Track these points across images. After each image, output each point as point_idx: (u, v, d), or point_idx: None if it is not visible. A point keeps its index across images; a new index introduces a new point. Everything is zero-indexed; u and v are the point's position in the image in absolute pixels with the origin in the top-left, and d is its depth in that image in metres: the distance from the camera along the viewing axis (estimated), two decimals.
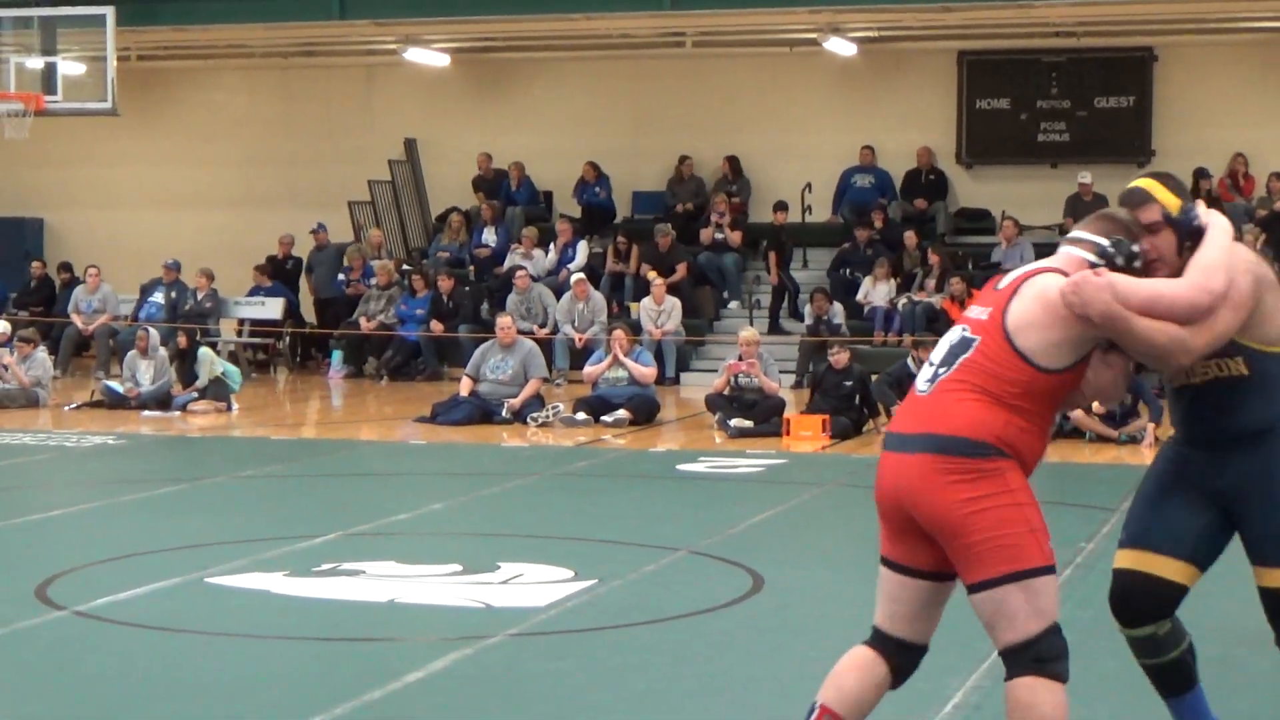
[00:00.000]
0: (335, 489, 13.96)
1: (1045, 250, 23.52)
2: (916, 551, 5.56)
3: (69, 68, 22.65)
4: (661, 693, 7.16)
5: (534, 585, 9.20)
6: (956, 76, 25.79)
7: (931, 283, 23.23)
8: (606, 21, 24.34)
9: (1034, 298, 5.38)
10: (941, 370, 5.46)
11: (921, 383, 5.53)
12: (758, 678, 7.44)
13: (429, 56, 26.52)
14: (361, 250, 25.66)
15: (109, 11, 21.97)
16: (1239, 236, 5.26)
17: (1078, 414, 16.91)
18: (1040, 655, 5.28)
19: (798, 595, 9.22)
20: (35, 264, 27.33)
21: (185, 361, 19.92)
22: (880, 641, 5.64)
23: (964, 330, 5.51)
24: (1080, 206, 24.19)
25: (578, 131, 26.56)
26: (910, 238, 23.97)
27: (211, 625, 8.29)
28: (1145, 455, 15.85)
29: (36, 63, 22.56)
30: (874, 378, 17.58)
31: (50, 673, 7.43)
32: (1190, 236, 5.58)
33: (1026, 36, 25.12)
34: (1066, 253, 5.53)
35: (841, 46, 24.91)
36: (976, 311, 5.52)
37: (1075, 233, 5.57)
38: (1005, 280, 5.56)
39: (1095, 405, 16.80)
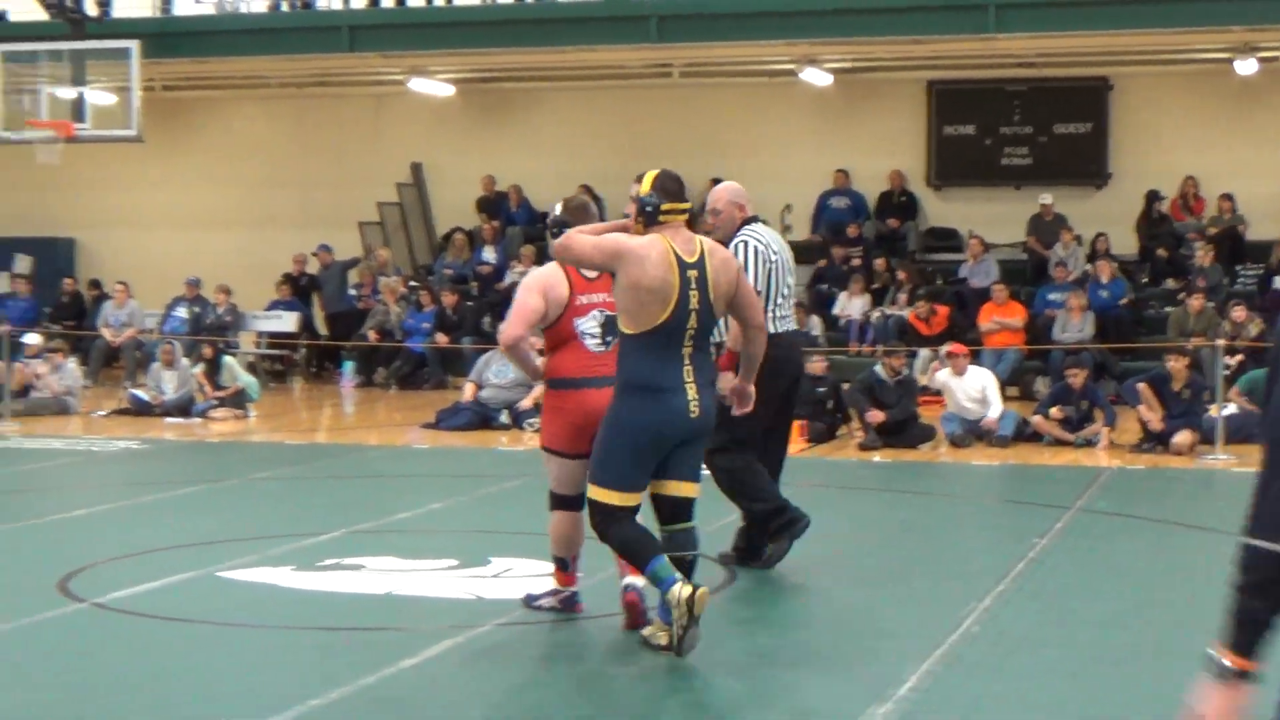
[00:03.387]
0: (342, 490, 13.99)
1: (1009, 266, 23.74)
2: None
3: (97, 97, 22.74)
4: (639, 676, 7.19)
5: (523, 578, 9.22)
6: (926, 104, 25.85)
7: (903, 297, 23.28)
8: (599, 54, 24.40)
9: None
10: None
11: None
12: (728, 661, 7.45)
13: (434, 86, 26.57)
14: (370, 267, 25.71)
15: (134, 45, 22.07)
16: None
17: (1038, 419, 16.98)
18: None
19: (768, 587, 9.27)
20: (67, 281, 27.37)
21: (212, 368, 20.00)
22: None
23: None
24: (1041, 226, 24.30)
25: (573, 156, 26.61)
26: (880, 263, 24.05)
27: (221, 616, 8.31)
28: (1100, 457, 15.90)
29: (67, 93, 22.66)
30: (845, 386, 17.63)
31: (70, 661, 7.46)
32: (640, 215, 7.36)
33: (991, 67, 25.17)
34: None
35: (817, 76, 24.97)
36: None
37: None
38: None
39: (1053, 411, 16.89)
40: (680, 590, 7.17)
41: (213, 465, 15.85)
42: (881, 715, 6.43)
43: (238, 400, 19.78)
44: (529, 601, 8.42)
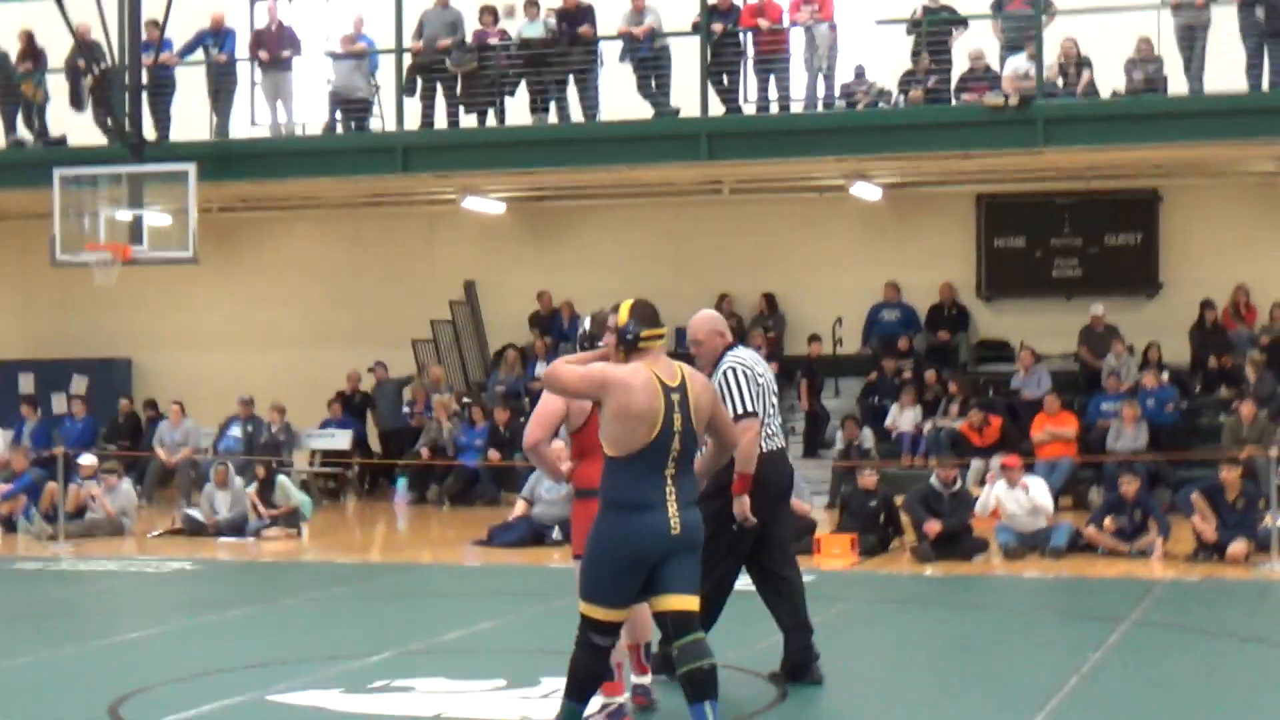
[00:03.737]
0: (394, 609, 13.98)
1: (1061, 377, 23.67)
2: None
3: (154, 219, 22.97)
4: None
5: (595, 710, 9.15)
6: (975, 217, 25.90)
7: (954, 409, 23.22)
8: (650, 172, 24.55)
9: None
10: None
11: None
12: None
13: (486, 205, 26.78)
14: (424, 384, 25.83)
15: (191, 168, 22.31)
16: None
17: (1090, 530, 16.86)
18: None
19: (818, 707, 9.20)
20: (123, 401, 27.56)
21: (265, 488, 20.09)
22: None
23: None
24: (1093, 337, 24.23)
25: (625, 272, 26.68)
26: (930, 375, 24.01)
27: None
28: (1154, 568, 15.77)
29: (125, 215, 22.89)
30: (897, 499, 17.56)
31: None
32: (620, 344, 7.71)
33: (1040, 180, 25.21)
34: None
35: (867, 191, 25.05)
36: None
37: None
38: None
39: (1107, 521, 16.78)
40: None
41: (265, 586, 15.86)
42: None
43: (291, 519, 19.83)
44: None
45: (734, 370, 9.38)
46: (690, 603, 7.58)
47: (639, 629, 8.76)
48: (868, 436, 22.99)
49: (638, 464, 7.47)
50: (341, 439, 25.46)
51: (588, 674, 7.66)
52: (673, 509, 7.50)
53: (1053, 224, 25.52)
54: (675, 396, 7.53)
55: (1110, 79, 22.01)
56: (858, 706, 9.32)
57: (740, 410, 9.20)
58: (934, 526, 16.49)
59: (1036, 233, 25.62)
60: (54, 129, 25.31)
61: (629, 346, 7.66)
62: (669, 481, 7.52)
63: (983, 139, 22.03)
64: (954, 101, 22.28)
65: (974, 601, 13.99)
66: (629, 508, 7.48)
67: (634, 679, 8.30)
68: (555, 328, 26.76)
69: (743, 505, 9.12)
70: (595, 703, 8.46)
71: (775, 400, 9.74)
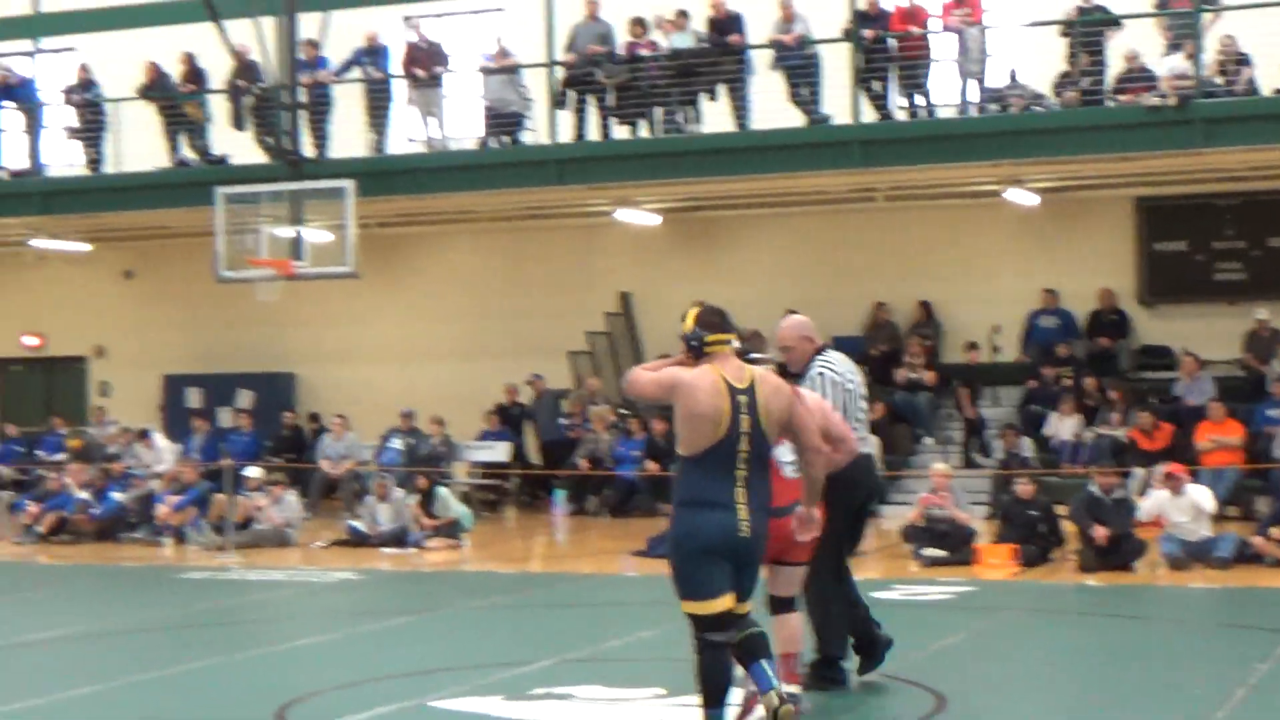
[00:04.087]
0: (553, 618, 14.08)
1: (1226, 384, 23.26)
2: None
3: (314, 235, 23.32)
4: None
5: (733, 706, 9.17)
6: (1134, 221, 25.54)
7: (1116, 416, 22.90)
8: (804, 180, 24.46)
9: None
10: None
11: None
12: None
13: (641, 216, 26.89)
14: (581, 397, 25.98)
15: (350, 184, 22.62)
16: None
17: (1258, 540, 16.55)
18: None
19: (977, 717, 9.11)
20: (287, 415, 28.03)
21: (426, 499, 20.33)
22: None
23: None
24: (1257, 341, 23.78)
25: (779, 281, 26.69)
26: (1090, 382, 23.69)
27: None
28: None
29: (287, 232, 23.27)
30: (1058, 507, 17.36)
31: None
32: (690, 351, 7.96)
33: (1200, 181, 24.79)
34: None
35: (1023, 196, 24.81)
36: None
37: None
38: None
39: (1274, 531, 16.45)
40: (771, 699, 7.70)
41: (427, 595, 16.05)
42: None
43: (451, 530, 20.05)
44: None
45: (821, 375, 9.55)
46: (741, 607, 7.84)
47: (789, 639, 8.86)
48: (1027, 445, 22.75)
49: (707, 464, 7.71)
50: (500, 451, 25.67)
51: (714, 675, 7.81)
52: (743, 512, 7.72)
53: (1214, 226, 25.09)
54: (743, 398, 7.76)
55: (1271, 76, 21.62)
56: (1019, 715, 9.23)
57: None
58: (1102, 532, 16.26)
59: (1197, 236, 25.20)
60: (216, 149, 25.86)
61: (695, 353, 7.95)
62: (739, 482, 7.72)
63: (1140, 140, 21.72)
64: (1110, 103, 22.02)
65: (1138, 612, 13.81)
66: (699, 505, 7.72)
67: (785, 688, 8.30)
68: None
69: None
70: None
71: (865, 405, 9.89)
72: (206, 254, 23.98)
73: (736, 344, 7.99)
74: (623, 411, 25.48)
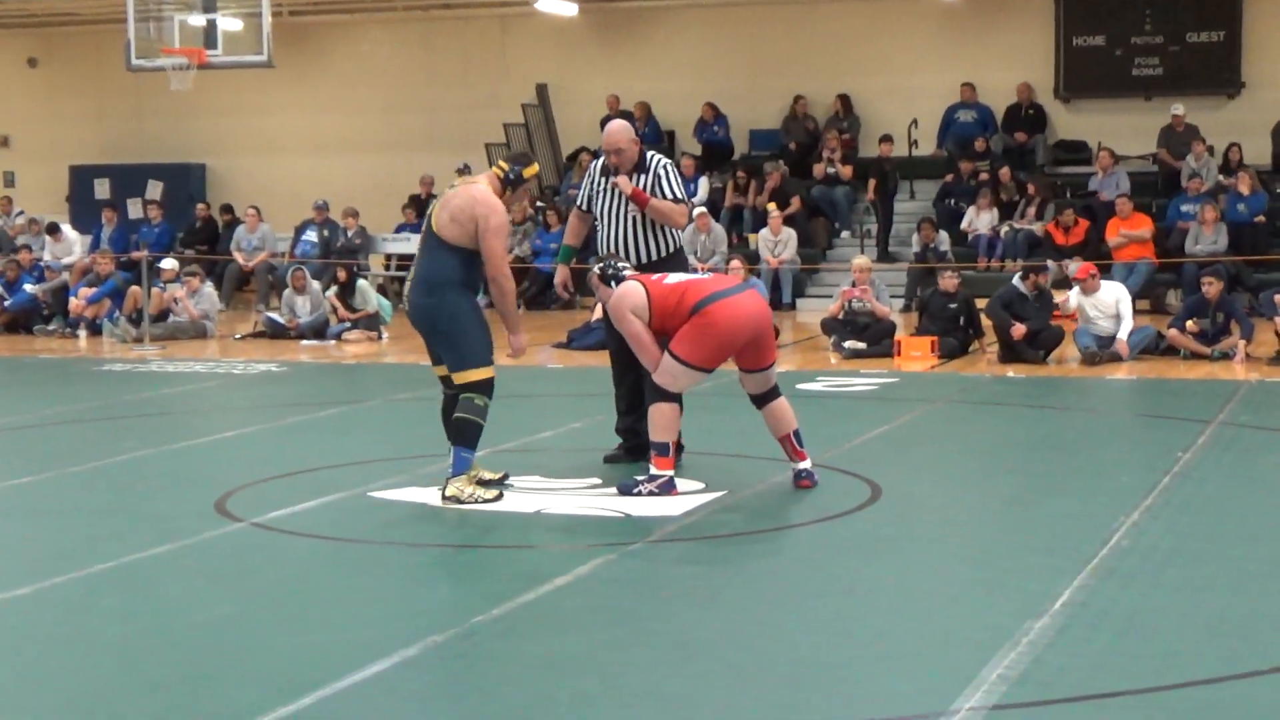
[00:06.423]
0: None
1: (1140, 179, 23.44)
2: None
3: (227, 24, 22.84)
4: (792, 593, 7.25)
5: (669, 496, 9.28)
6: (1054, 15, 25.50)
7: (1032, 211, 23.07)
8: None
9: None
10: None
11: None
12: (881, 578, 7.51)
13: (559, 6, 26.55)
14: None
15: None
16: None
17: (1173, 333, 16.80)
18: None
19: (914, 503, 9.26)
20: (199, 206, 27.71)
21: (345, 291, 20.24)
22: None
23: None
24: (1173, 137, 23.94)
25: (698, 74, 26.55)
26: (1005, 173, 23.79)
27: (377, 535, 8.48)
28: (1237, 371, 15.74)
29: (198, 20, 22.77)
30: (978, 301, 17.52)
31: (236, 578, 7.64)
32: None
33: None
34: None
35: None
36: None
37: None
38: None
39: (1189, 324, 16.70)
40: None
41: (352, 387, 16.05)
42: (1038, 629, 6.44)
43: (371, 323, 20.00)
44: (626, 489, 9.19)
45: (667, 165, 10.37)
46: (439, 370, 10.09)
47: (783, 420, 9.42)
48: (944, 239, 22.90)
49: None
50: (416, 244, 25.47)
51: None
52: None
53: (1133, 21, 25.11)
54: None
55: None
56: (952, 502, 9.40)
57: (676, 196, 10.24)
58: (1020, 330, 16.43)
59: (1116, 30, 25.23)
60: None
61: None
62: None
63: None
64: None
65: (1058, 403, 14.01)
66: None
67: (795, 466, 9.34)
68: None
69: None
70: (686, 500, 8.58)
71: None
72: (114, 42, 23.53)
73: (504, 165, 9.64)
74: (540, 204, 25.36)
